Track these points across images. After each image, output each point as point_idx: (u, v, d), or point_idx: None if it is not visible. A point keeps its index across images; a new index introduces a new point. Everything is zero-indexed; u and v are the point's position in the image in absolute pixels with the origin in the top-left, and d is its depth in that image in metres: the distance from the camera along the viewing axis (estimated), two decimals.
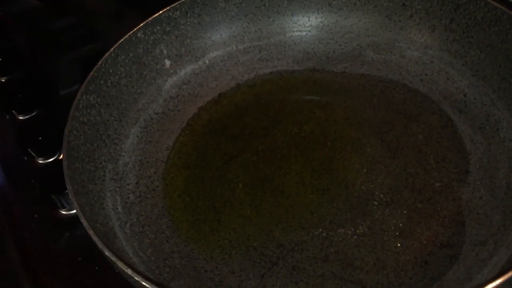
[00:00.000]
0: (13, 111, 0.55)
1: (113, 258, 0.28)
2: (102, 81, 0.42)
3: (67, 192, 0.44)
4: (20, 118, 0.55)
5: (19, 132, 0.54)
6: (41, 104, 0.56)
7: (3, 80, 0.60)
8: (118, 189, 0.41)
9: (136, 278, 0.28)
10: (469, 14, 0.45)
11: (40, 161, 0.50)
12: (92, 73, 0.41)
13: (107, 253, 0.29)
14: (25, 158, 0.51)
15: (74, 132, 0.38)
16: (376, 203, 0.40)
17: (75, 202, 0.32)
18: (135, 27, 0.46)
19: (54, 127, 0.52)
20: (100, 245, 0.29)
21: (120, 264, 0.28)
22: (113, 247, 0.33)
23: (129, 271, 0.28)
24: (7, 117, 0.56)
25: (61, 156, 0.50)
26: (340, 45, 0.52)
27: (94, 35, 0.60)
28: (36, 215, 0.46)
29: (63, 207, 0.45)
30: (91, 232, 0.30)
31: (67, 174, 0.34)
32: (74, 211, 0.45)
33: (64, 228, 0.45)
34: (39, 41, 0.61)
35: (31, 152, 0.50)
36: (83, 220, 0.31)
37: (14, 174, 0.51)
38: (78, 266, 0.42)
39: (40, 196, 0.47)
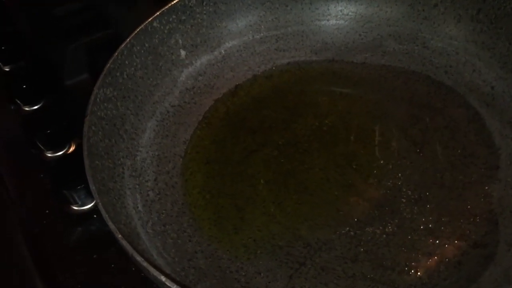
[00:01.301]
0: (18, 102, 0.53)
1: (145, 264, 0.27)
2: (118, 73, 0.40)
3: (79, 188, 0.43)
4: (26, 109, 0.53)
5: (25, 124, 0.52)
6: (47, 94, 0.54)
7: (7, 69, 0.58)
8: (137, 186, 0.39)
9: (168, 285, 0.27)
10: (498, 4, 0.43)
11: (49, 155, 0.48)
12: (108, 65, 0.39)
13: (138, 258, 0.27)
14: (33, 152, 0.49)
15: (93, 128, 0.36)
16: (404, 200, 0.39)
17: (100, 203, 0.30)
18: (148, 15, 0.44)
19: (62, 119, 0.51)
20: (130, 250, 0.28)
21: (152, 270, 0.27)
22: (138, 249, 0.31)
23: (163, 278, 0.26)
24: (12, 108, 0.54)
25: (71, 149, 0.49)
26: (360, 35, 0.50)
27: (101, 22, 0.58)
28: (47, 211, 0.44)
29: (75, 203, 0.43)
30: (119, 237, 0.28)
31: (90, 173, 0.32)
32: (87, 207, 0.43)
33: (77, 223, 0.43)
34: (44, 28, 0.59)
35: (39, 145, 0.48)
36: (110, 224, 0.29)
37: (22, 168, 0.49)
38: (93, 263, 0.40)
39: (51, 191, 0.45)
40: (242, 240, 0.38)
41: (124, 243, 0.28)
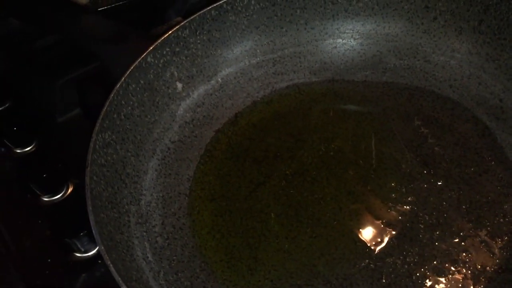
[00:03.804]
0: (9, 144, 0.51)
1: None
2: (115, 115, 0.38)
3: (82, 234, 0.41)
4: (18, 151, 0.51)
5: (19, 168, 0.50)
6: (39, 135, 0.52)
7: None
8: (144, 233, 0.37)
9: None
10: (501, 15, 0.42)
11: (46, 199, 0.46)
12: (105, 108, 0.37)
13: None
14: (29, 197, 0.47)
15: (95, 178, 0.34)
16: (422, 226, 0.38)
17: (111, 265, 0.28)
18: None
19: (57, 161, 0.49)
20: None
21: None
22: None
23: None
24: (3, 150, 0.52)
25: (68, 191, 0.47)
26: (358, 52, 0.49)
27: (88, 55, 0.56)
28: (48, 260, 0.42)
29: (78, 250, 0.41)
30: None
31: (96, 230, 0.30)
32: (91, 253, 0.42)
33: (81, 271, 0.41)
34: (28, 65, 0.57)
35: (35, 190, 0.46)
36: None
37: (18, 216, 0.47)
38: None
39: (51, 239, 0.43)
40: (258, 281, 0.37)
41: None
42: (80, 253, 0.42)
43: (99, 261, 0.42)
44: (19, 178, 0.49)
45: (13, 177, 0.49)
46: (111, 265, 0.28)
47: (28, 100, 0.56)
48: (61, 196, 0.46)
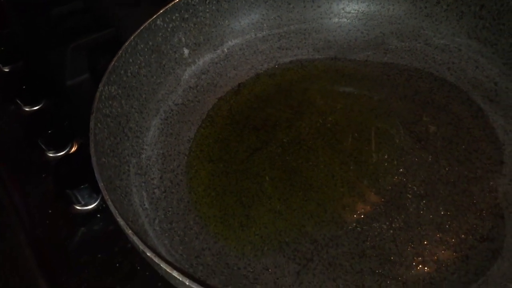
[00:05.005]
0: (19, 102, 0.53)
1: (156, 260, 0.27)
2: (122, 71, 0.40)
3: (83, 187, 0.42)
4: (27, 109, 0.53)
5: (27, 124, 0.52)
6: (48, 94, 0.54)
7: (7, 70, 0.57)
8: (143, 184, 0.39)
9: (182, 280, 0.26)
10: (501, 0, 0.44)
11: (51, 155, 0.48)
12: (113, 62, 0.39)
13: (149, 254, 0.27)
14: (35, 152, 0.49)
15: (99, 125, 0.36)
16: (410, 196, 0.39)
17: (109, 200, 0.30)
18: (148, 14, 0.44)
19: (63, 119, 0.50)
20: (141, 246, 0.28)
21: (164, 266, 0.27)
22: (148, 245, 0.31)
23: (175, 273, 0.26)
24: (13, 108, 0.54)
25: (73, 149, 0.48)
26: (362, 32, 0.51)
27: (101, 22, 0.58)
28: (50, 211, 0.44)
29: (79, 203, 0.43)
30: (129, 232, 0.28)
31: (97, 170, 0.32)
32: (90, 206, 0.43)
33: (80, 223, 0.43)
34: (43, 28, 0.59)
35: (41, 145, 0.48)
36: (119, 219, 0.29)
37: (23, 169, 0.48)
38: (97, 262, 0.40)
39: (53, 192, 0.45)
40: (248, 237, 0.38)
41: (135, 238, 0.28)
42: (80, 206, 0.43)
43: (98, 215, 0.43)
44: (27, 134, 0.51)
45: (21, 133, 0.51)
46: (109, 200, 0.30)
47: (40, 62, 0.57)
48: (65, 153, 0.48)
